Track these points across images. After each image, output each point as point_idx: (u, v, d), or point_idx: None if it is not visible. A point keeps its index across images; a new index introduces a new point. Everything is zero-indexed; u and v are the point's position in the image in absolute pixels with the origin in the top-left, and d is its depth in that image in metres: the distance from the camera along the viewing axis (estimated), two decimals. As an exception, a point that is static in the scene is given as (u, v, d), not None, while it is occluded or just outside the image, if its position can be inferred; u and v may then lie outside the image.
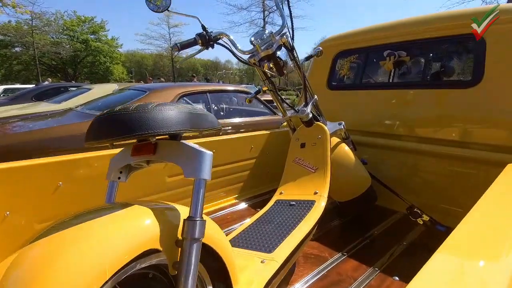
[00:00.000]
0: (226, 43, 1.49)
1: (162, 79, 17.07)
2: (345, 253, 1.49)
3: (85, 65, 29.41)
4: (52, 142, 2.50)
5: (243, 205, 2.11)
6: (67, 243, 0.52)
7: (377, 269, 1.36)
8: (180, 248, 0.63)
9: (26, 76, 25.76)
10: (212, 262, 0.75)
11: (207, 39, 1.42)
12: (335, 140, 1.79)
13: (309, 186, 1.51)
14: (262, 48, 1.46)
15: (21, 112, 4.35)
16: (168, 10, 1.39)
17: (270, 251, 1.06)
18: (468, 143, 1.67)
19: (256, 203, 2.14)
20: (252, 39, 1.50)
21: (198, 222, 0.65)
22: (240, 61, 1.51)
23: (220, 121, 3.52)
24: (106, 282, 0.52)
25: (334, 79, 2.41)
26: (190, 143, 0.72)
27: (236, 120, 3.66)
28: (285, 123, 1.92)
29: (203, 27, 1.44)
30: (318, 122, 1.67)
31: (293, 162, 1.66)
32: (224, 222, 1.86)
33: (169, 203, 0.73)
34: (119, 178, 0.83)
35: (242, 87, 4.63)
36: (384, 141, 2.02)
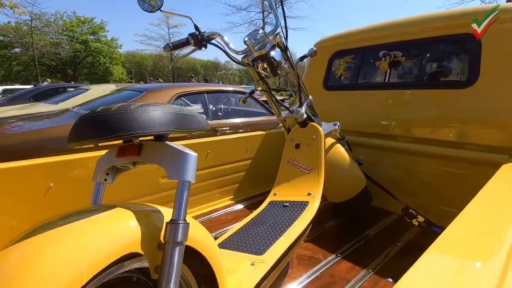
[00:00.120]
0: (219, 43, 1.48)
1: (160, 80, 17.11)
2: (339, 255, 1.48)
3: (84, 65, 29.42)
4: (47, 142, 2.49)
5: (238, 206, 2.09)
6: (42, 247, 0.51)
7: (370, 270, 1.35)
8: (162, 252, 0.62)
9: (26, 76, 25.76)
10: (198, 265, 0.74)
11: (199, 39, 1.41)
12: (330, 140, 1.78)
13: (303, 187, 1.50)
14: (256, 48, 1.45)
15: (18, 113, 4.34)
16: (160, 10, 1.38)
17: (260, 253, 1.04)
18: (463, 143, 1.66)
19: (252, 204, 2.12)
20: (246, 39, 1.49)
21: (181, 225, 0.64)
22: (234, 61, 1.50)
23: (218, 121, 3.51)
24: (83, 286, 0.51)
25: (331, 79, 2.40)
26: (175, 144, 0.71)
27: (234, 120, 3.65)
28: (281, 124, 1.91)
29: (196, 27, 1.43)
30: (313, 123, 1.66)
31: (287, 163, 1.65)
32: (219, 224, 1.85)
33: (154, 205, 0.72)
34: (105, 179, 0.82)
35: (240, 88, 4.62)
36: (379, 142, 2.01)
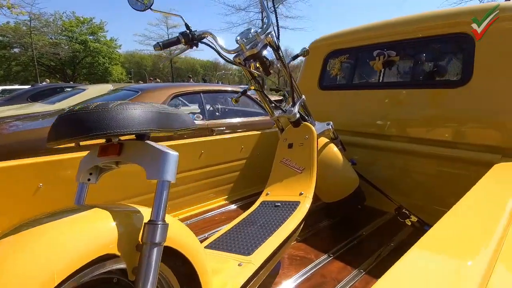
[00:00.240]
0: (211, 42, 1.47)
1: (157, 80, 17.17)
2: (331, 255, 1.47)
3: (84, 66, 29.40)
4: (42, 142, 2.48)
5: (232, 207, 2.08)
6: (14, 247, 0.50)
7: (362, 270, 1.34)
8: (140, 253, 0.61)
9: (25, 77, 25.75)
10: (180, 266, 0.73)
11: (190, 38, 1.40)
12: (324, 140, 1.77)
13: (295, 187, 1.49)
14: (247, 47, 1.44)
15: (15, 113, 4.33)
16: (151, 9, 1.37)
17: (248, 254, 1.04)
18: (457, 143, 1.65)
19: (246, 204, 2.11)
20: (238, 38, 1.49)
21: (159, 226, 0.62)
22: (225, 60, 1.49)
23: (214, 121, 3.50)
24: (56, 287, 0.50)
25: (326, 79, 2.39)
26: (155, 143, 0.70)
27: (231, 120, 3.64)
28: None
29: (187, 26, 1.42)
30: (306, 122, 1.66)
31: (280, 162, 1.64)
32: (212, 224, 1.84)
33: (135, 205, 0.71)
34: (88, 179, 0.81)
35: (237, 88, 4.61)
36: (373, 142, 2.00)
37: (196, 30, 1.43)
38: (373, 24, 2.12)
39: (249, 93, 1.84)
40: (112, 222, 0.60)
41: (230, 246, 1.12)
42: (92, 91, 5.08)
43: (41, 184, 1.35)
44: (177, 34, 1.41)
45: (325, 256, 1.46)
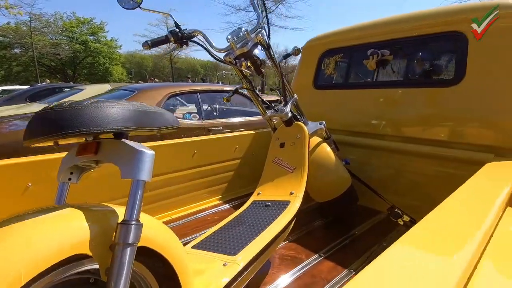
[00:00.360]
0: (201, 41, 1.46)
1: (156, 80, 17.28)
2: (322, 254, 1.46)
3: (84, 66, 29.41)
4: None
5: (226, 207, 2.08)
6: None
7: (352, 270, 1.33)
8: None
9: (26, 77, 25.76)
10: (159, 266, 0.72)
11: (179, 37, 1.39)
12: (316, 140, 1.76)
13: (286, 187, 1.48)
14: (238, 46, 1.44)
15: (12, 113, 4.34)
16: (140, 7, 1.37)
17: (234, 254, 1.03)
18: (450, 142, 1.64)
19: (240, 204, 2.10)
20: (229, 36, 1.48)
21: (132, 226, 0.62)
22: (216, 59, 1.48)
23: (210, 121, 3.49)
24: (24, 287, 0.49)
25: (320, 78, 2.38)
26: (132, 142, 0.69)
27: (228, 120, 3.63)
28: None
29: (176, 24, 1.41)
30: (298, 122, 1.65)
31: (272, 162, 1.64)
32: (204, 224, 1.83)
33: (112, 205, 0.70)
34: (69, 179, 0.80)
35: (234, 88, 4.60)
36: (367, 141, 1.99)
37: (186, 29, 1.42)
38: (367, 23, 2.10)
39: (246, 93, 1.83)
40: (85, 222, 0.59)
41: (216, 246, 1.11)
42: (90, 91, 5.08)
43: (29, 184, 1.34)
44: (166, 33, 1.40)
45: (316, 256, 1.45)
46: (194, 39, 1.45)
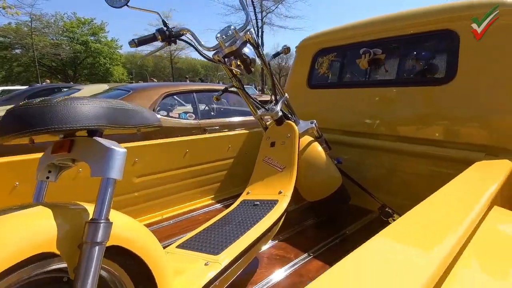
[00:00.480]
0: (189, 39, 1.46)
1: (154, 80, 17.44)
2: (311, 254, 1.45)
3: (85, 66, 29.46)
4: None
5: (218, 206, 2.07)
6: None
7: None
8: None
9: (27, 77, 25.80)
10: (134, 265, 0.71)
11: (167, 35, 1.38)
12: (308, 139, 1.76)
13: (275, 186, 1.47)
14: (226, 44, 1.43)
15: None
16: (127, 6, 1.36)
17: (217, 253, 1.02)
18: (441, 141, 1.63)
19: (232, 204, 2.10)
20: (218, 35, 1.47)
21: (101, 224, 0.61)
22: (204, 58, 1.48)
23: (206, 121, 3.49)
24: None
25: (314, 78, 2.37)
26: (103, 139, 0.68)
27: (224, 119, 3.63)
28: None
29: (164, 23, 1.41)
30: (289, 121, 1.64)
31: (262, 161, 1.63)
32: (196, 223, 1.82)
33: (83, 203, 0.70)
34: (47, 177, 0.80)
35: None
36: (359, 140, 1.98)
37: (174, 27, 1.42)
38: (360, 21, 2.10)
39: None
40: (54, 220, 0.59)
41: (201, 245, 1.10)
42: (87, 91, 5.09)
43: (17, 183, 1.34)
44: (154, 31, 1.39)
45: (305, 255, 1.45)
46: (183, 37, 1.44)
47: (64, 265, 0.62)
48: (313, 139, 1.77)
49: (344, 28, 2.16)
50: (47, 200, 0.80)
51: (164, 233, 1.68)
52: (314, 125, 1.74)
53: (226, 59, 1.48)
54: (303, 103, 2.35)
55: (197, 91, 3.63)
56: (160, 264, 0.75)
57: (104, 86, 5.54)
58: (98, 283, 0.71)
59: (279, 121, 1.65)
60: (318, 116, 1.87)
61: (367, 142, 1.94)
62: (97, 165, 0.65)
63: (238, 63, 1.50)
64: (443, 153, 1.62)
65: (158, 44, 1.46)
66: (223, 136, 2.20)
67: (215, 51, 1.48)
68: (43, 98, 0.63)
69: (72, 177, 1.51)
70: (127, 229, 0.70)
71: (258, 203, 1.40)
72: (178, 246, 1.13)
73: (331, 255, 1.44)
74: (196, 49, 1.45)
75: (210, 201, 2.13)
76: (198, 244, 1.11)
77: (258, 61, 1.58)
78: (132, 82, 27.28)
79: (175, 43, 1.44)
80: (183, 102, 3.95)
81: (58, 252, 0.57)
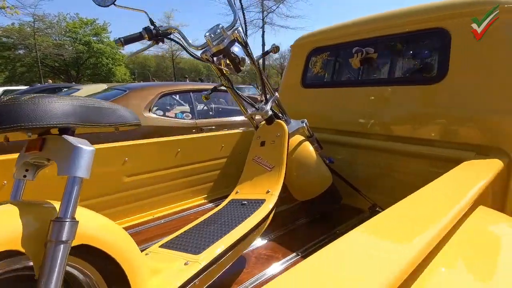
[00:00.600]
0: (177, 38, 1.45)
1: (155, 80, 17.58)
2: (299, 253, 1.44)
3: (87, 66, 29.61)
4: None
5: (210, 206, 2.07)
6: None
7: None
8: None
9: (30, 78, 25.99)
10: (106, 265, 0.71)
11: (154, 34, 1.38)
12: (299, 138, 1.75)
13: (264, 185, 1.47)
14: (214, 43, 1.43)
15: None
16: (114, 4, 1.36)
17: (198, 252, 1.02)
18: (432, 140, 1.62)
19: None
20: (206, 34, 1.47)
21: (67, 223, 0.60)
22: (192, 56, 1.47)
23: (204, 120, 3.49)
24: None
25: (308, 77, 2.36)
26: (72, 138, 0.68)
27: (222, 119, 3.63)
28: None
29: (151, 21, 1.40)
30: (279, 120, 1.63)
31: (252, 160, 1.62)
32: (186, 223, 1.81)
33: (54, 202, 0.70)
34: (24, 176, 0.80)
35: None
36: (351, 140, 1.97)
37: (161, 26, 1.41)
38: (354, 20, 2.08)
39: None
40: (20, 218, 0.59)
41: (183, 245, 1.10)
42: (86, 91, 5.12)
43: (5, 182, 1.34)
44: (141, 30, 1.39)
45: (293, 255, 1.44)
46: (171, 36, 1.44)
47: (22, 264, 0.62)
48: (304, 138, 1.77)
49: (338, 27, 2.15)
50: (25, 199, 0.80)
51: (154, 233, 1.68)
52: (304, 125, 1.73)
53: (215, 58, 1.48)
54: (297, 102, 2.34)
55: (194, 91, 3.64)
56: (135, 264, 0.75)
57: (102, 86, 5.58)
58: (71, 282, 0.71)
59: (269, 120, 1.64)
60: (311, 116, 1.86)
61: (359, 141, 1.93)
62: (64, 164, 0.65)
63: (227, 62, 1.49)
64: (432, 152, 1.61)
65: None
66: (216, 136, 2.19)
67: (203, 50, 1.47)
68: (12, 96, 0.63)
69: (53, 175, 1.50)
70: (99, 229, 0.69)
71: (245, 202, 1.40)
72: (161, 246, 1.13)
73: None
74: (184, 48, 1.44)
75: (203, 201, 2.13)
76: (181, 244, 1.11)
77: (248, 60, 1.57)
78: (134, 82, 27.38)
79: (163, 41, 1.44)
80: (181, 102, 3.96)
81: (23, 250, 0.57)
